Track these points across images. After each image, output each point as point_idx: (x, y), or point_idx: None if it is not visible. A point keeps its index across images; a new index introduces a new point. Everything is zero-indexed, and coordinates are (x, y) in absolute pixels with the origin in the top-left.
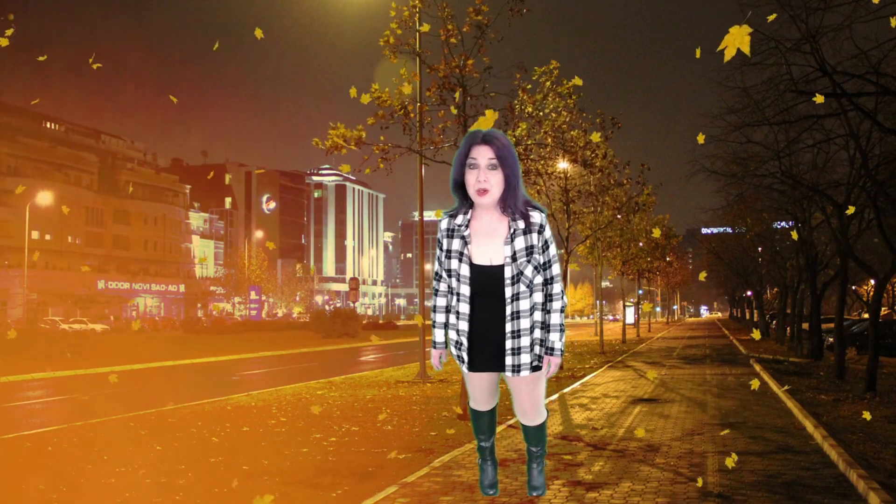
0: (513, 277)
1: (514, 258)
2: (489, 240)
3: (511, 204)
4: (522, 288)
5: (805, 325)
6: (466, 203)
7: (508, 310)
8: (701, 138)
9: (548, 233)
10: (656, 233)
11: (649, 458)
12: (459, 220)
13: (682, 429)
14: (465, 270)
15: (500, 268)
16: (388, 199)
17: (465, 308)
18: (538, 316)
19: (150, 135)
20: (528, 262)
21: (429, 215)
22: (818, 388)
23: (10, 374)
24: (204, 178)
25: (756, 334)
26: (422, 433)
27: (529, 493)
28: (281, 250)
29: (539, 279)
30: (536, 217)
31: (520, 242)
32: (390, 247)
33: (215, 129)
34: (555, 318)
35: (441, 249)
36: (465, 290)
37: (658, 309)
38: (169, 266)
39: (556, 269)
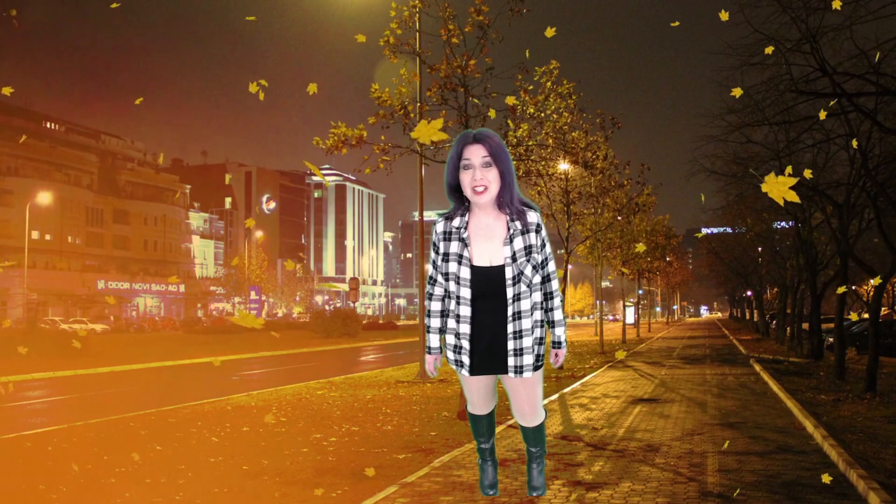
0: (514, 278)
1: (514, 258)
2: (488, 241)
3: (507, 201)
4: (523, 288)
5: (805, 325)
6: (462, 206)
7: (510, 310)
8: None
9: (544, 231)
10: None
11: (649, 458)
12: (457, 222)
13: (682, 429)
14: (465, 273)
15: (501, 268)
16: (388, 199)
17: (466, 311)
18: (538, 315)
19: (150, 134)
20: (528, 261)
21: (429, 215)
22: (818, 388)
23: (9, 374)
24: (204, 178)
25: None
26: (422, 433)
27: (529, 493)
28: (281, 250)
29: (538, 278)
30: (533, 217)
31: (518, 243)
32: (390, 247)
33: (215, 129)
34: (558, 315)
35: (437, 253)
36: (466, 292)
37: (658, 309)
38: (169, 266)
39: (552, 265)
